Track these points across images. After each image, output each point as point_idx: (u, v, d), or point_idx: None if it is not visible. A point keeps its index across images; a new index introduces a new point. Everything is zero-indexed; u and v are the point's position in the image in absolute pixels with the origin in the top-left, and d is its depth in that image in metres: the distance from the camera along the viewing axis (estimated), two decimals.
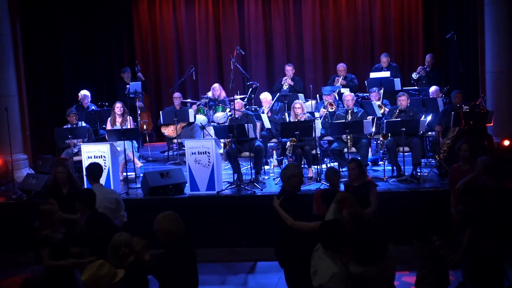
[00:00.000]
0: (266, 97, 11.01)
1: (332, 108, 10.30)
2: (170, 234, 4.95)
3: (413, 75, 11.92)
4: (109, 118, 10.47)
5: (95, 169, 7.19)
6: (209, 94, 11.88)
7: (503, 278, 5.89)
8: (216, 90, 11.83)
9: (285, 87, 11.73)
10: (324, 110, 10.46)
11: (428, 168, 9.48)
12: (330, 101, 10.43)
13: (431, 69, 11.99)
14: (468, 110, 9.48)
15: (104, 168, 9.00)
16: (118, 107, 10.40)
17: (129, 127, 10.27)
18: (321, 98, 11.28)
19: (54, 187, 7.43)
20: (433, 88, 10.91)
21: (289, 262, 5.89)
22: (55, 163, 7.82)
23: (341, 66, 12.12)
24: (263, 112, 10.70)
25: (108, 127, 10.40)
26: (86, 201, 6.12)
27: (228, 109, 11.17)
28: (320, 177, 9.20)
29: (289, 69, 11.97)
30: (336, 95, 11.01)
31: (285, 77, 11.92)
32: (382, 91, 11.13)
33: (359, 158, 9.50)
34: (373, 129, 10.14)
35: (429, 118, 9.98)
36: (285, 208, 5.78)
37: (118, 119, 10.38)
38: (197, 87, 13.57)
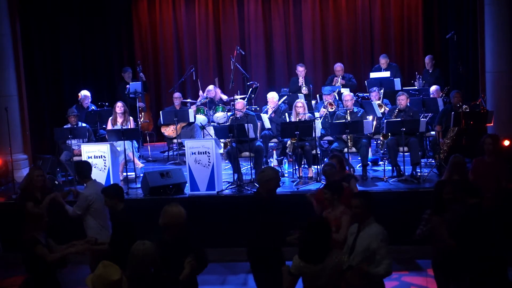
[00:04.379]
0: (273, 96, 10.82)
1: (332, 108, 10.30)
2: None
3: (416, 84, 11.87)
4: (110, 118, 10.47)
5: (84, 167, 7.22)
6: (204, 94, 11.86)
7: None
8: (211, 92, 11.80)
9: (303, 89, 11.65)
10: (324, 110, 10.45)
11: (428, 168, 9.49)
12: (330, 101, 10.43)
13: (433, 70, 11.99)
14: (468, 109, 9.49)
15: (104, 168, 9.04)
16: (119, 106, 10.40)
17: (130, 127, 10.27)
18: (321, 98, 11.27)
19: (28, 192, 7.30)
20: (433, 88, 10.91)
21: (260, 262, 5.97)
22: (31, 169, 7.72)
23: (339, 66, 12.09)
24: (266, 112, 10.68)
25: (109, 126, 10.39)
26: (120, 196, 6.22)
27: (227, 103, 11.17)
28: (320, 177, 9.20)
29: (301, 70, 11.92)
30: (336, 95, 11.02)
31: (300, 78, 11.85)
32: (382, 90, 11.12)
33: (359, 158, 9.54)
34: (373, 129, 10.14)
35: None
36: (259, 211, 5.86)
37: (119, 119, 10.37)
38: (197, 87, 13.55)
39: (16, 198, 8.49)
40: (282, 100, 10.97)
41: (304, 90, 11.59)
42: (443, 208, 5.78)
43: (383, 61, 12.11)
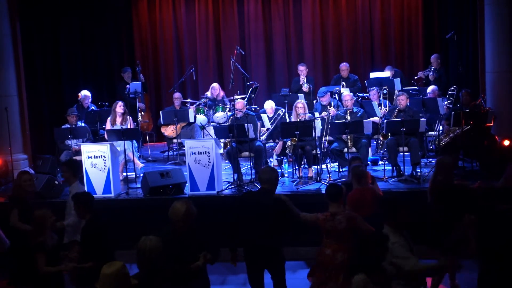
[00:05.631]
0: (271, 106, 10.83)
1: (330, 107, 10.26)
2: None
3: (425, 73, 11.83)
4: (109, 118, 10.44)
5: (77, 165, 7.20)
6: (208, 93, 11.88)
7: None
8: (215, 89, 11.85)
9: (305, 86, 11.67)
10: (325, 113, 10.40)
11: (428, 168, 9.48)
12: (331, 109, 10.31)
13: (439, 68, 11.96)
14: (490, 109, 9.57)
15: (104, 168, 9.03)
16: (120, 106, 10.38)
17: (129, 127, 10.25)
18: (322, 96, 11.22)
19: (18, 197, 7.21)
20: (430, 88, 10.88)
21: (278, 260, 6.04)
22: (18, 174, 7.58)
23: (344, 65, 12.00)
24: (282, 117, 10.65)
25: (108, 126, 10.36)
26: (86, 205, 6.09)
27: (228, 109, 11.17)
28: (320, 177, 9.20)
29: (302, 69, 11.93)
30: (336, 96, 10.99)
31: (302, 77, 11.86)
32: (386, 91, 11.07)
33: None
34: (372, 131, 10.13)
35: None
36: (284, 209, 5.92)
37: (119, 119, 10.35)
38: (197, 87, 13.57)
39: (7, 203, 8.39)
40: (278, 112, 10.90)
41: (305, 87, 11.60)
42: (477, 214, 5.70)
43: (388, 73, 12.05)
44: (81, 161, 9.04)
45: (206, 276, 5.50)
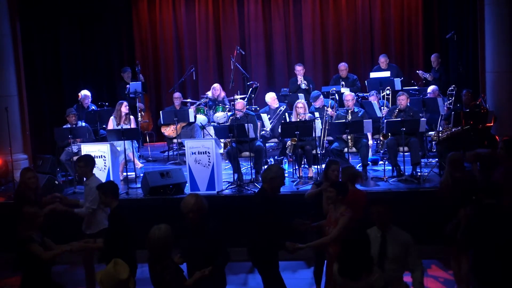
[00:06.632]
0: (272, 96, 10.90)
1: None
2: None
3: (424, 75, 11.85)
4: (112, 118, 10.42)
5: (93, 160, 7.27)
6: (209, 93, 11.89)
7: None
8: (216, 89, 11.85)
9: (303, 86, 11.71)
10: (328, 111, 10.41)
11: (428, 168, 9.48)
12: (329, 110, 10.30)
13: (438, 68, 11.97)
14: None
15: (104, 168, 9.03)
16: (126, 105, 10.37)
17: (132, 126, 10.25)
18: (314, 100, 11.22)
19: (23, 195, 7.22)
20: (430, 88, 10.89)
21: (262, 262, 5.94)
22: (22, 171, 7.55)
23: (343, 66, 12.03)
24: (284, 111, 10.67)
25: (110, 126, 10.36)
26: (114, 193, 6.15)
27: (227, 109, 11.18)
28: (320, 177, 9.20)
29: (299, 69, 11.95)
30: (336, 95, 11.00)
31: (299, 77, 11.89)
32: (390, 92, 11.07)
33: (359, 158, 9.53)
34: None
35: None
36: (265, 209, 5.81)
37: (123, 119, 10.34)
38: (197, 87, 13.58)
39: (12, 201, 8.43)
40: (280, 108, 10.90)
41: (304, 86, 11.60)
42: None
43: (382, 59, 12.10)
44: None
45: (223, 276, 5.47)
